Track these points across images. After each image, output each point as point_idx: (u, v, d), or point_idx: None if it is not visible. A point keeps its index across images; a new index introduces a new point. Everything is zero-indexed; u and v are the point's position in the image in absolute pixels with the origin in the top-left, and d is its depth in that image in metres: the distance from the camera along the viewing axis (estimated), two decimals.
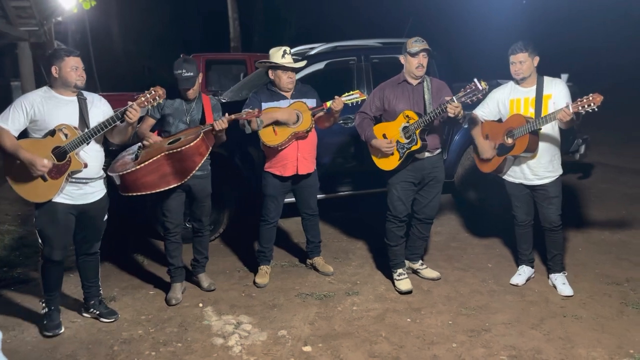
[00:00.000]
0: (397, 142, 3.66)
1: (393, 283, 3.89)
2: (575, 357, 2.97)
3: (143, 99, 3.16)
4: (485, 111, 3.80)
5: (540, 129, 3.53)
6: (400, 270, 3.90)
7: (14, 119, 3.06)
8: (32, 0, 9.71)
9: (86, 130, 3.13)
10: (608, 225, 5.10)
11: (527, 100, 3.61)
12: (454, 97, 3.41)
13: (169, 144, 3.44)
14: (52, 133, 3.09)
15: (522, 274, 3.90)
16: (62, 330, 3.31)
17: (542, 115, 3.49)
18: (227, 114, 3.50)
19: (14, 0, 9.49)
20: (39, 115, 3.09)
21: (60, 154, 3.08)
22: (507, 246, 4.56)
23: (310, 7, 18.37)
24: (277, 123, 3.74)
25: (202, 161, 3.45)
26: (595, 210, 5.56)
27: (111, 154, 4.57)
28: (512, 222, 3.91)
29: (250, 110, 3.54)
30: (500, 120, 3.75)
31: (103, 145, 3.34)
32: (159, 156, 3.35)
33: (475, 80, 3.35)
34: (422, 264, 4.06)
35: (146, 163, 3.33)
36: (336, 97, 3.78)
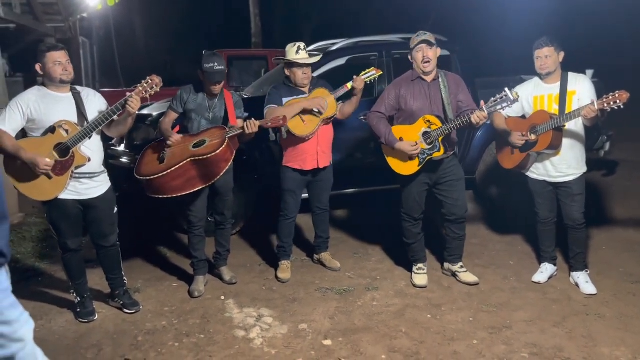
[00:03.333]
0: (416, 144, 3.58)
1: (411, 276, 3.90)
2: (598, 355, 2.94)
3: (141, 88, 3.15)
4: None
5: (565, 125, 3.49)
6: (420, 265, 3.89)
7: (11, 120, 3.06)
8: None
9: (86, 124, 3.12)
10: (632, 223, 5.02)
11: (550, 97, 3.57)
12: (483, 107, 3.34)
13: (194, 146, 3.48)
14: (52, 130, 3.08)
15: (545, 272, 3.87)
16: (96, 317, 3.40)
17: (566, 112, 3.45)
18: (252, 120, 3.50)
19: None
20: (36, 114, 3.09)
21: (63, 150, 3.08)
22: (529, 243, 4.52)
23: (331, 2, 18.32)
24: (303, 112, 3.75)
25: (227, 166, 3.49)
26: (619, 208, 5.47)
27: (135, 148, 4.68)
28: (535, 219, 3.88)
29: (276, 118, 3.52)
30: (523, 117, 3.72)
31: (103, 139, 3.34)
32: (185, 162, 3.39)
33: (506, 89, 3.29)
34: (461, 267, 3.91)
35: (173, 169, 3.38)
36: (355, 76, 3.79)
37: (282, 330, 3.25)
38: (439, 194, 3.77)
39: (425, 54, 3.53)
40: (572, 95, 3.51)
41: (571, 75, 3.57)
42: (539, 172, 3.71)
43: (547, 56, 3.51)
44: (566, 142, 3.55)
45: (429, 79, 3.61)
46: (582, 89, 3.51)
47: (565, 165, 3.59)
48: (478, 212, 5.40)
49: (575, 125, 3.55)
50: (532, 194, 3.81)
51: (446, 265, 4.00)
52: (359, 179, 5.16)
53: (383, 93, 3.81)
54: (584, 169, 3.65)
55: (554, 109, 3.54)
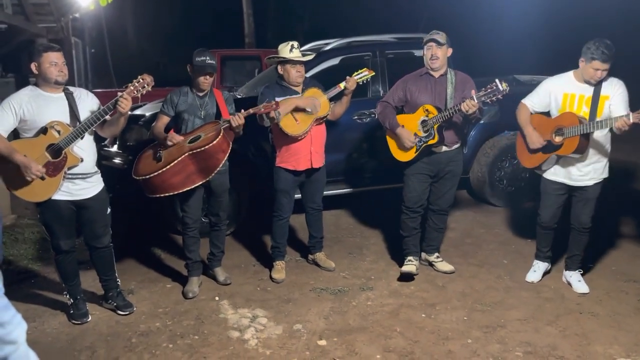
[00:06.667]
0: (415, 134, 3.70)
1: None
2: (592, 354, 2.96)
3: (132, 87, 3.13)
4: (534, 101, 3.61)
5: (593, 132, 3.34)
6: (410, 257, 3.96)
7: (3, 121, 3.02)
8: None
9: (78, 124, 3.10)
10: (625, 222, 5.06)
11: (582, 98, 3.39)
12: (473, 95, 3.41)
13: (190, 142, 3.47)
14: (44, 131, 3.05)
15: (538, 271, 3.88)
16: (90, 319, 3.39)
17: (597, 117, 3.31)
18: (242, 110, 3.51)
19: None
20: (28, 115, 3.06)
21: (55, 151, 3.06)
22: (522, 242, 4.54)
23: (324, 2, 18.34)
24: (296, 110, 3.73)
25: (225, 158, 3.48)
26: (613, 208, 5.49)
27: (128, 149, 4.66)
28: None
29: (268, 104, 3.52)
30: (548, 114, 3.58)
31: (95, 139, 3.32)
32: (183, 156, 3.38)
33: (497, 80, 3.32)
34: (437, 257, 4.09)
35: (172, 164, 3.36)
36: (347, 77, 3.82)
37: (277, 330, 3.25)
38: (431, 184, 3.87)
39: (434, 52, 3.65)
40: (604, 100, 3.33)
41: (606, 79, 3.37)
42: (559, 173, 3.58)
43: (606, 69, 3.30)
44: (593, 147, 3.42)
45: (436, 74, 3.72)
46: (616, 96, 3.32)
47: (590, 169, 3.49)
48: (472, 212, 5.42)
49: (604, 130, 3.39)
50: (541, 195, 3.72)
51: (423, 255, 4.11)
52: (354, 179, 5.18)
53: (392, 87, 3.94)
54: (606, 175, 3.56)
55: (584, 111, 3.37)
